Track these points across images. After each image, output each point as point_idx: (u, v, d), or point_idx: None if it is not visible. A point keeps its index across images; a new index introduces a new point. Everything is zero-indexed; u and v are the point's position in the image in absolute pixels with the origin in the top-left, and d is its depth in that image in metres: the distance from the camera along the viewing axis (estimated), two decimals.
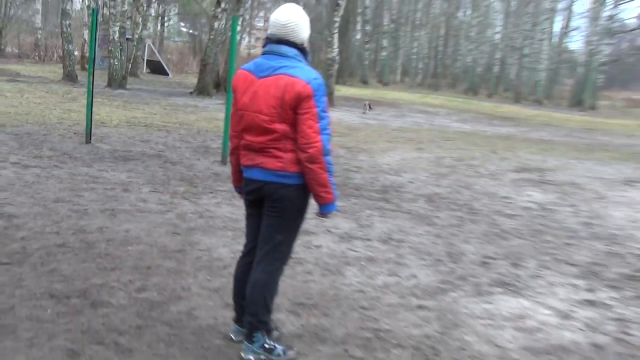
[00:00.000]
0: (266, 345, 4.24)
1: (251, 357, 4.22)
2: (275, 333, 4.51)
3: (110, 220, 7.31)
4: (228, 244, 6.87)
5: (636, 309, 6.00)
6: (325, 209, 4.12)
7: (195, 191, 9.21)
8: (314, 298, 5.58)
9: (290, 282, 5.89)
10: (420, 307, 5.58)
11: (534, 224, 9.09)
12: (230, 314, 5.06)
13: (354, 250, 7.06)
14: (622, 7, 52.28)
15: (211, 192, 9.21)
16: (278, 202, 4.09)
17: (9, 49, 41.00)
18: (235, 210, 8.31)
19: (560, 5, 58.95)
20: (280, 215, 4.15)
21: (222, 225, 7.53)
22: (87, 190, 8.60)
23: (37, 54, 39.69)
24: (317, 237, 7.41)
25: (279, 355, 4.26)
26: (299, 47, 4.05)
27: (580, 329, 5.40)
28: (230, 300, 5.31)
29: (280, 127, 3.92)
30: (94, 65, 12.96)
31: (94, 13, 13.71)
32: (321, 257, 6.71)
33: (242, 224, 7.68)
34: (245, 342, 4.29)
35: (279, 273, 4.38)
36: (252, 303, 4.25)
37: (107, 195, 8.47)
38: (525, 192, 11.53)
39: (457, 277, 6.48)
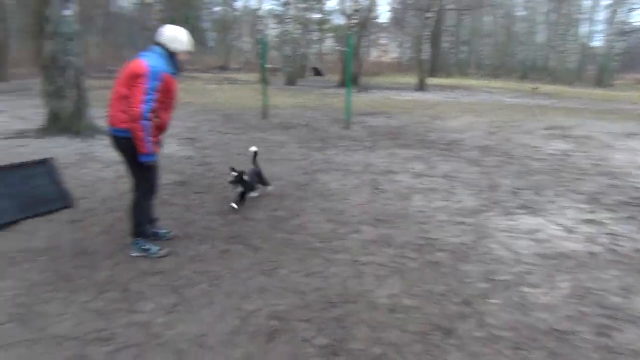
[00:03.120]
0: (144, 247, 3.88)
1: (135, 254, 3.86)
2: (171, 233, 4.25)
3: (266, 165, 7.08)
4: (338, 180, 6.45)
5: (627, 226, 5.01)
6: (142, 158, 3.61)
7: (325, 146, 8.82)
8: (389, 216, 5.08)
9: (374, 205, 5.42)
10: (461, 223, 4.94)
11: (555, 165, 7.94)
12: (329, 226, 4.71)
13: (422, 184, 6.43)
14: (631, 13, 45.61)
15: (334, 147, 8.79)
16: (122, 150, 3.70)
17: (232, 65, 42.19)
18: (347, 158, 7.87)
19: (583, 16, 52.45)
20: (128, 161, 3.73)
21: (336, 168, 7.11)
22: (258, 147, 8.44)
23: (247, 67, 40.56)
24: (398, 175, 6.83)
25: (152, 253, 3.85)
26: (167, 49, 3.65)
27: (580, 241, 4.55)
28: (332, 217, 4.98)
29: (124, 90, 3.53)
30: (266, 71, 13.11)
31: (264, 42, 13.45)
32: (399, 188, 6.15)
33: (350, 166, 7.33)
34: (132, 245, 3.92)
35: (142, 199, 3.88)
36: (129, 218, 3.91)
37: (269, 149, 8.30)
38: (551, 143, 10.17)
39: (492, 202, 5.71)
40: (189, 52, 3.77)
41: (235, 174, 5.00)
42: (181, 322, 2.95)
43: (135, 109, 3.45)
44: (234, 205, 5.06)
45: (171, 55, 3.66)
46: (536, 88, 27.31)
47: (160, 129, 3.79)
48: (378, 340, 2.82)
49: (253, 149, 5.45)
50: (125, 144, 3.62)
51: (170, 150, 7.75)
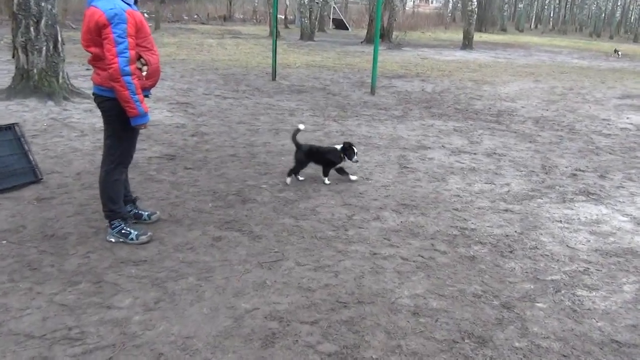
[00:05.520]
0: (123, 231, 3.94)
1: (112, 240, 3.94)
2: (155, 216, 4.33)
3: (273, 137, 7.14)
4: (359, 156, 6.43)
5: None
6: (134, 122, 3.71)
7: (344, 115, 8.80)
8: (417, 200, 5.06)
9: (400, 187, 5.41)
10: (506, 210, 4.91)
11: (628, 142, 7.81)
12: (345, 211, 4.72)
13: (461, 162, 6.38)
14: None
15: (356, 116, 8.76)
16: (102, 111, 3.84)
17: (236, 15, 42.01)
18: (371, 130, 7.83)
19: None
20: (106, 123, 3.86)
21: (357, 142, 7.06)
22: (263, 115, 8.48)
23: (254, 18, 40.38)
24: (432, 151, 6.79)
25: (132, 239, 3.92)
26: None
27: None
28: (349, 201, 4.99)
29: (93, 49, 3.61)
30: (277, 23, 13.22)
31: None
32: (431, 167, 6.12)
33: (374, 140, 7.31)
34: (109, 228, 3.99)
35: (115, 172, 3.92)
36: (100, 197, 3.99)
37: (277, 118, 8.31)
38: (625, 115, 9.98)
39: (546, 186, 5.65)
40: None
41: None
42: (163, 321, 3.00)
43: (111, 65, 3.50)
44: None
45: None
46: (617, 51, 26.46)
47: (153, 76, 3.84)
48: (396, 348, 2.84)
49: (301, 126, 5.61)
50: (109, 105, 3.72)
51: (158, 117, 7.83)
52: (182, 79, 11.56)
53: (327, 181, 5.42)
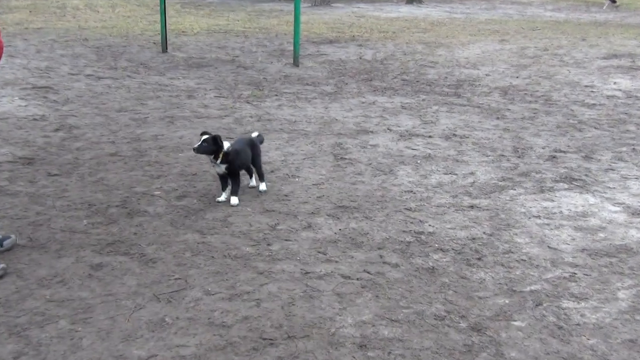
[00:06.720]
0: None
1: None
2: (8, 241, 4.18)
3: (166, 128, 7.08)
4: (280, 146, 6.48)
5: None
6: None
7: (260, 94, 8.84)
8: (359, 200, 5.16)
9: (337, 184, 5.49)
10: (472, 207, 5.08)
11: (616, 113, 8.23)
12: (267, 219, 4.75)
13: (412, 149, 6.55)
14: None
15: (276, 95, 8.82)
16: None
17: None
18: (296, 112, 7.90)
19: None
20: None
21: (279, 128, 7.13)
22: (152, 99, 8.39)
23: None
24: (375, 136, 6.93)
25: None
26: None
27: None
28: (271, 206, 5.02)
29: None
30: None
31: None
32: (375, 157, 6.24)
33: (301, 125, 7.39)
34: None
35: None
36: None
37: (171, 102, 8.25)
38: (612, 79, 10.51)
39: (519, 174, 5.89)
40: None
41: (206, 137, 4.90)
42: None
43: None
44: (220, 198, 5.12)
45: None
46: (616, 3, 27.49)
47: None
48: None
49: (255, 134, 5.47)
50: None
51: (7, 108, 7.63)
52: (39, 54, 11.24)
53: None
